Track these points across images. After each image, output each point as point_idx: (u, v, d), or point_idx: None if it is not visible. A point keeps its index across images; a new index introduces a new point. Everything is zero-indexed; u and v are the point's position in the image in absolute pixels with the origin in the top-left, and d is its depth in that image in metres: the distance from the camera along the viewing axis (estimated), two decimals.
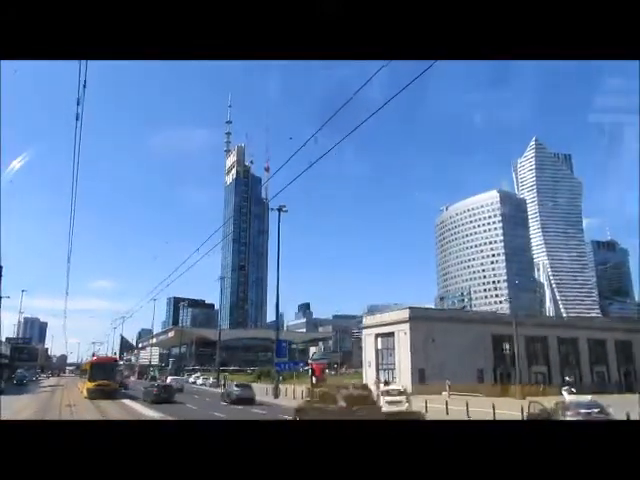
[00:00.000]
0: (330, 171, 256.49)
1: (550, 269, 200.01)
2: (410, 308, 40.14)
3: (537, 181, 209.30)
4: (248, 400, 30.83)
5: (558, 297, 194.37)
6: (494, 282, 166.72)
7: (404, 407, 20.66)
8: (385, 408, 19.44)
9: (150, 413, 24.28)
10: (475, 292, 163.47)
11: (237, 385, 35.09)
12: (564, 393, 23.01)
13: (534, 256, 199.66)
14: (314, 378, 35.80)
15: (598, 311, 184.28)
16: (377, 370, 39.72)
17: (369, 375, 40.74)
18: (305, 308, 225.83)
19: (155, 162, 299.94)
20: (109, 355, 78.38)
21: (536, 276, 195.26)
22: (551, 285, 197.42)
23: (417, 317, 37.73)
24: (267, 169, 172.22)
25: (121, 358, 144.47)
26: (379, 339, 40.85)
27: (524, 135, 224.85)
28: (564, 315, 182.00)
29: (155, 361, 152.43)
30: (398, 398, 21.59)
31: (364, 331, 43.18)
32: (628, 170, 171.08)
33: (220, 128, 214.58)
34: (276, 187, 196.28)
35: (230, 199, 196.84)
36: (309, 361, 46.27)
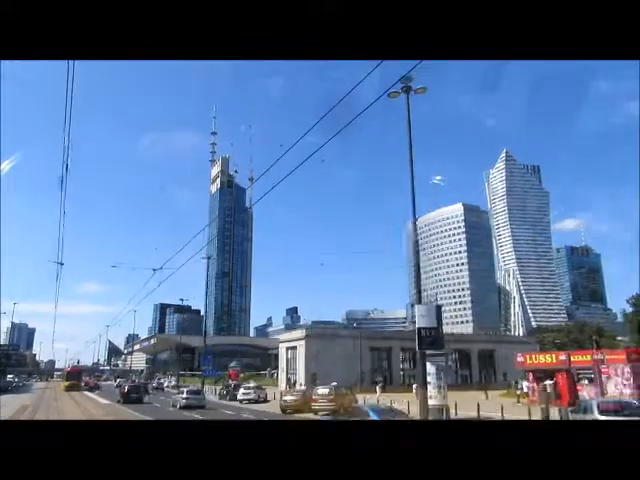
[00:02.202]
0: (329, 174, 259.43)
1: (519, 276, 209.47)
2: (306, 328, 50.98)
3: (507, 191, 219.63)
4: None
5: (526, 302, 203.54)
6: (459, 290, 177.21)
7: (251, 395, 35.28)
8: (240, 396, 34.93)
9: (86, 392, 50.66)
10: (441, 299, 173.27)
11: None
12: (377, 388, 34.61)
13: (505, 264, 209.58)
14: (230, 380, 47.97)
15: (565, 316, 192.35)
16: (287, 374, 50.34)
17: (282, 378, 51.48)
18: (292, 312, 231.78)
19: (147, 166, 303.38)
20: (94, 360, 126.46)
21: (505, 283, 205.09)
22: (520, 291, 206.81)
23: (311, 335, 47.84)
24: (251, 179, 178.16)
25: (109, 363, 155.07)
26: (289, 351, 51.30)
27: (509, 142, 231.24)
28: (532, 320, 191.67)
29: (142, 366, 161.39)
30: (250, 390, 35.94)
31: (280, 344, 53.83)
32: (616, 175, 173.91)
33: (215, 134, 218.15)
34: (262, 194, 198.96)
35: (215, 208, 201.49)
36: (229, 368, 57.84)
